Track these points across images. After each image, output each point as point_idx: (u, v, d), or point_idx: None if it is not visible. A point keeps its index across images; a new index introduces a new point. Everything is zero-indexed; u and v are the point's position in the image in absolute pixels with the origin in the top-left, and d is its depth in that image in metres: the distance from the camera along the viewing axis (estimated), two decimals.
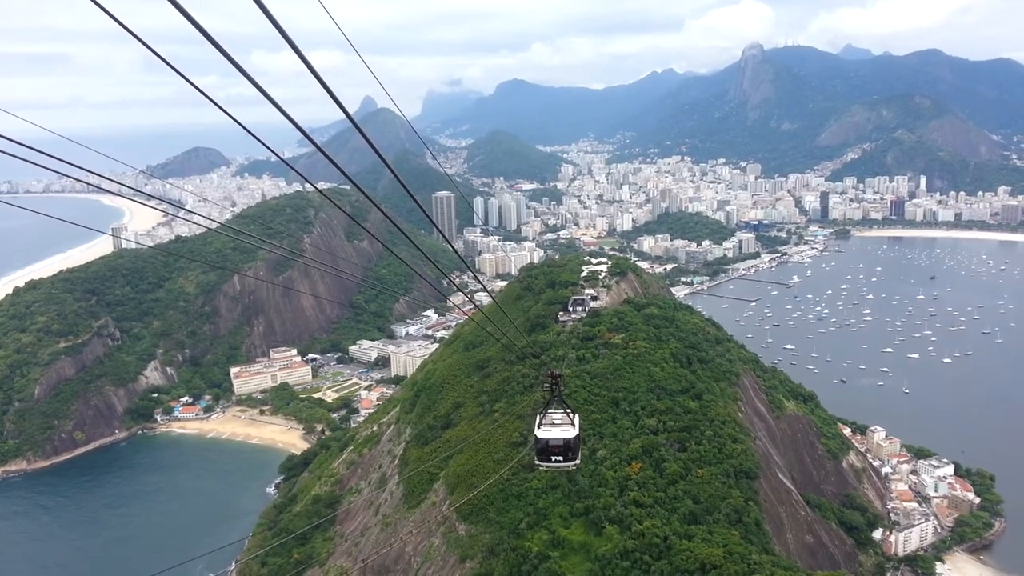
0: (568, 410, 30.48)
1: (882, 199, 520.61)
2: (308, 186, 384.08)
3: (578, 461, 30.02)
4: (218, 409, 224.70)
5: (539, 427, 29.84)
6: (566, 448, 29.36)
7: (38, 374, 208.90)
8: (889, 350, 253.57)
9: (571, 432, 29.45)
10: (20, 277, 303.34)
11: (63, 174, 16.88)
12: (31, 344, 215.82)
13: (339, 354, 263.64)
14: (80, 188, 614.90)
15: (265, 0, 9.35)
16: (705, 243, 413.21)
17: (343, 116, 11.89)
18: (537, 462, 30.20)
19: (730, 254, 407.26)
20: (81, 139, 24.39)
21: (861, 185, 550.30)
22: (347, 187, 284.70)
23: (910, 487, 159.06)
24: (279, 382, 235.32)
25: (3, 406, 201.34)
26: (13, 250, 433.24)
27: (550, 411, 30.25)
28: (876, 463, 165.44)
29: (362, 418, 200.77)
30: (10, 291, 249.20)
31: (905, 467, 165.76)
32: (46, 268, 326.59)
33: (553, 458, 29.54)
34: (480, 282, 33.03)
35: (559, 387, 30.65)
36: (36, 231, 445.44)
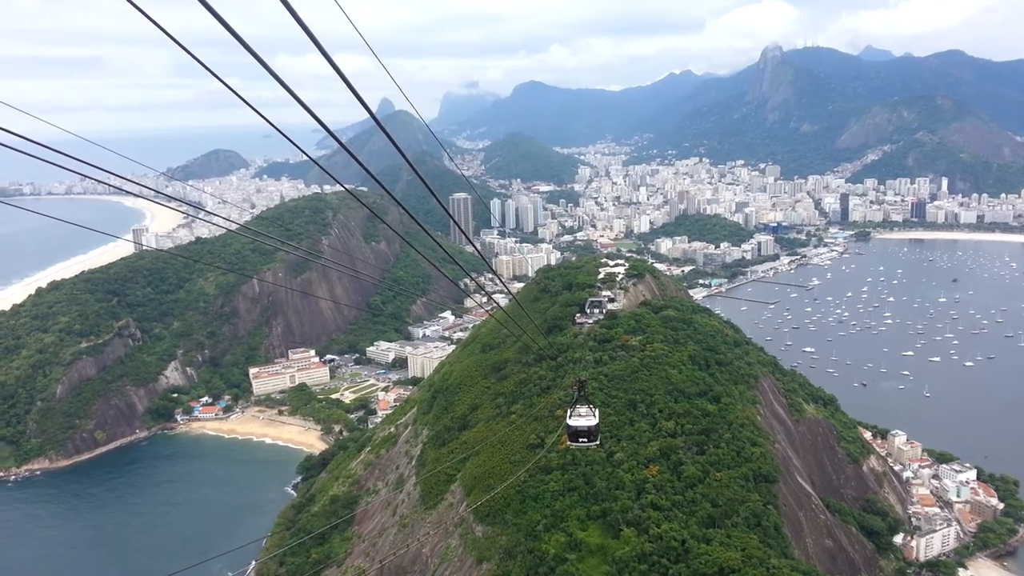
0: (591, 405, 40.49)
1: (903, 201, 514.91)
2: (326, 188, 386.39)
3: (598, 442, 40.74)
4: (237, 409, 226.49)
5: (569, 417, 40.02)
6: (589, 432, 39.71)
7: (60, 374, 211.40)
8: (910, 353, 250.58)
9: (593, 421, 39.71)
10: (43, 278, 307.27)
11: (85, 175, 16.93)
12: (53, 344, 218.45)
13: (356, 355, 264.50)
14: (102, 190, 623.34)
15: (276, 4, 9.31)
16: (723, 245, 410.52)
17: (360, 119, 11.99)
18: (568, 443, 40.64)
19: (749, 256, 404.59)
20: (102, 142, 24.56)
21: (882, 187, 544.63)
22: (364, 188, 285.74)
23: (932, 492, 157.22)
24: (297, 383, 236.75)
25: (26, 405, 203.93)
26: (35, 251, 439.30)
27: (577, 406, 40.23)
28: (897, 467, 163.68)
29: (379, 419, 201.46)
30: (33, 292, 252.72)
31: (927, 472, 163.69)
32: (68, 269, 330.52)
33: (580, 439, 39.86)
34: (502, 282, 33.96)
35: (585, 389, 41.15)
36: (58, 232, 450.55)
